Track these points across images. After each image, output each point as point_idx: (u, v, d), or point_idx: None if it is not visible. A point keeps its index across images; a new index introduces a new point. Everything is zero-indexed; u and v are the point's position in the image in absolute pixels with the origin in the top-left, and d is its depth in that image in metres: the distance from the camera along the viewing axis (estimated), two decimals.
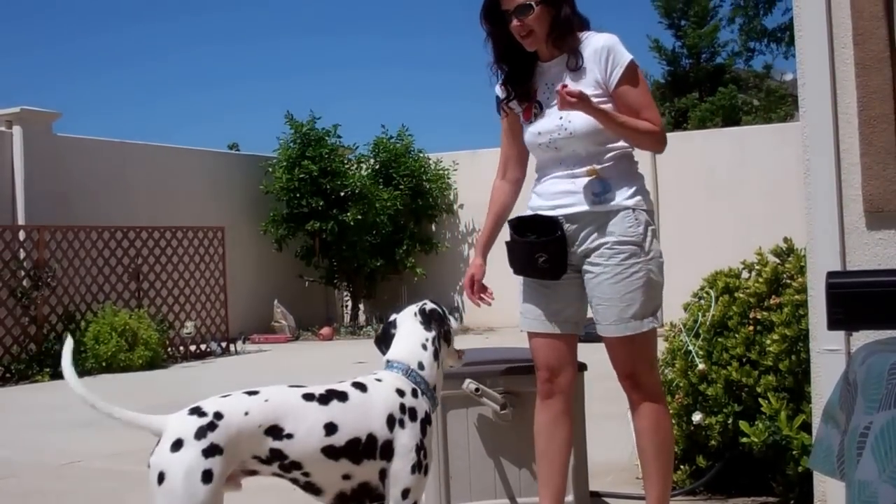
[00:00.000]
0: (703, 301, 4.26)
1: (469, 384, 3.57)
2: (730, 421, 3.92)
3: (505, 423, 3.62)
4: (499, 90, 3.38)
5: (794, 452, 3.70)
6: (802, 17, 3.33)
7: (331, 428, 2.51)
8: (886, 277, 2.45)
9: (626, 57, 3.15)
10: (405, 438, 2.60)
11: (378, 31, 63.81)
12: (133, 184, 13.39)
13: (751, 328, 3.97)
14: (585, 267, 3.17)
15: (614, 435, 4.56)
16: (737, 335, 3.99)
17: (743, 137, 14.64)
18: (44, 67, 62.02)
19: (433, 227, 16.35)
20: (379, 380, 2.71)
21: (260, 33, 65.32)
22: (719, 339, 4.06)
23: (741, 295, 4.08)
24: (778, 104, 25.78)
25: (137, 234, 12.26)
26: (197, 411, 2.44)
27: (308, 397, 2.56)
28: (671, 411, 4.12)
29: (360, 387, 2.65)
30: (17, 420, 7.89)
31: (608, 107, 3.12)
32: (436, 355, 2.81)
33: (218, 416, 2.41)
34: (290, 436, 2.48)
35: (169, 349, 12.13)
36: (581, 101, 3.02)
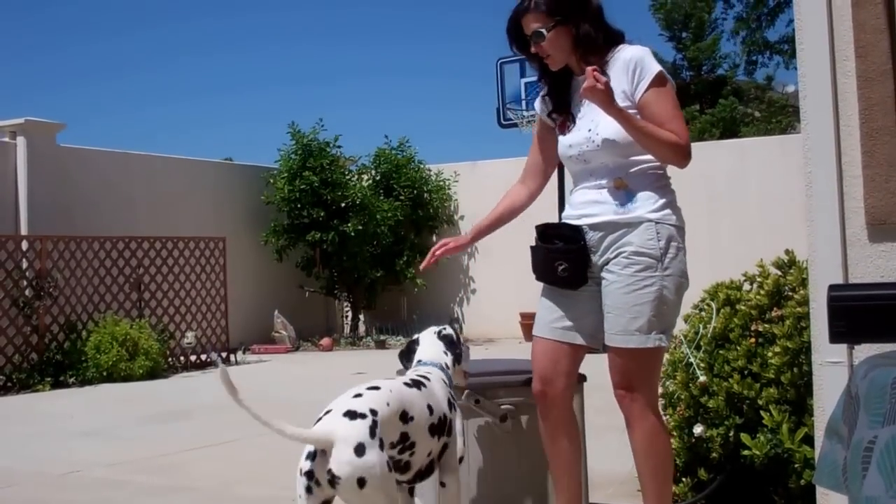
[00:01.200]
0: (704, 313, 4.26)
1: (469, 396, 3.56)
2: (731, 433, 3.91)
3: (504, 434, 3.61)
4: (538, 104, 3.45)
5: (796, 465, 3.69)
6: (804, 29, 3.34)
7: (430, 409, 2.89)
8: (889, 290, 2.45)
9: (655, 68, 3.14)
10: (457, 418, 3.08)
11: (379, 41, 63.92)
12: (135, 194, 13.41)
13: (752, 340, 3.97)
14: (602, 274, 3.18)
15: (615, 446, 4.55)
16: (738, 347, 3.98)
17: (744, 149, 14.65)
18: (46, 78, 62.13)
19: (434, 238, 16.34)
20: (430, 373, 3.11)
21: (259, 46, 65.43)
22: (720, 352, 4.05)
23: (742, 307, 4.08)
24: (779, 115, 25.81)
25: (139, 245, 12.26)
26: (352, 414, 2.55)
27: (408, 385, 2.91)
28: (672, 424, 4.12)
29: (425, 378, 3.04)
30: (18, 429, 7.87)
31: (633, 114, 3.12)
32: (454, 362, 3.30)
33: (374, 412, 2.58)
34: (412, 418, 2.78)
35: (169, 359, 12.12)
36: (603, 91, 3.00)
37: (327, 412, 2.59)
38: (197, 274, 12.99)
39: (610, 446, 4.61)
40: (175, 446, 6.65)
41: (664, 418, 4.17)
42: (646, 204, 3.14)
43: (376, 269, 15.31)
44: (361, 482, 2.45)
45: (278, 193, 14.84)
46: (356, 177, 15.95)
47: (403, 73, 64.57)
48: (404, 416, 2.74)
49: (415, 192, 15.75)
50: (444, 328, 3.39)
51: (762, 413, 3.82)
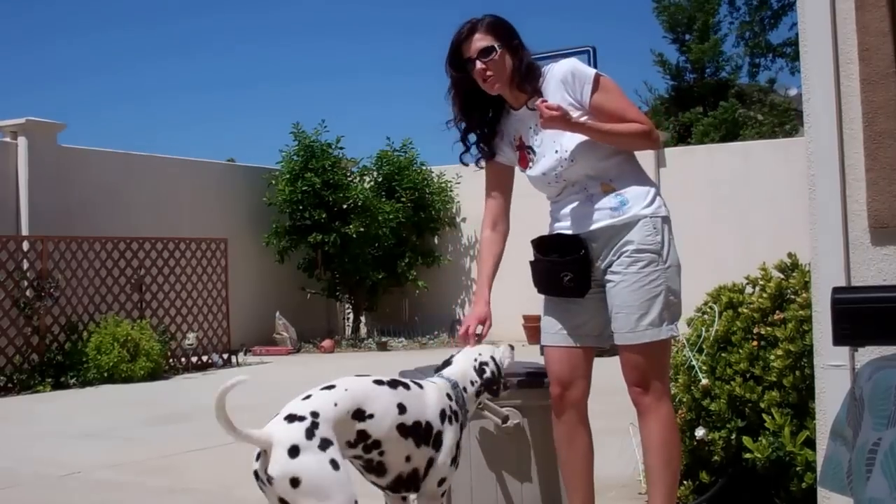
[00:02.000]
0: (706, 316, 4.25)
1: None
2: (733, 436, 3.90)
3: (507, 436, 3.60)
4: (473, 151, 3.46)
5: (798, 469, 3.68)
6: (808, 32, 3.33)
7: (401, 408, 2.82)
8: (892, 293, 2.45)
9: (590, 72, 3.22)
10: (450, 434, 2.95)
11: (381, 41, 63.92)
12: (136, 195, 13.40)
13: (755, 343, 3.96)
14: (607, 277, 3.21)
15: (616, 450, 4.55)
16: (740, 350, 3.98)
17: (747, 152, 14.64)
18: (47, 73, 62.14)
19: (435, 240, 16.35)
20: (434, 382, 3.06)
21: (261, 47, 65.46)
22: (723, 355, 4.05)
23: (745, 310, 4.07)
24: (782, 119, 25.78)
25: (140, 245, 12.26)
26: (292, 418, 2.62)
27: (378, 382, 2.85)
28: None
29: (418, 384, 2.99)
30: (19, 431, 7.87)
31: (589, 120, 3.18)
32: (477, 395, 3.17)
33: (315, 414, 2.62)
34: (371, 416, 2.74)
35: (170, 360, 12.11)
36: (561, 116, 3.07)
37: (276, 415, 2.67)
38: (198, 275, 12.99)
39: (610, 451, 4.60)
40: (176, 448, 6.64)
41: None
42: (637, 201, 3.19)
43: (378, 271, 15.31)
44: (295, 482, 2.53)
45: (280, 195, 14.84)
46: (358, 178, 15.95)
47: (404, 73, 64.59)
48: (359, 414, 2.72)
49: (417, 193, 15.75)
50: (484, 359, 3.22)
51: (764, 416, 3.81)
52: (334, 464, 2.57)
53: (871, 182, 3.18)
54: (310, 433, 2.58)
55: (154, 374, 11.20)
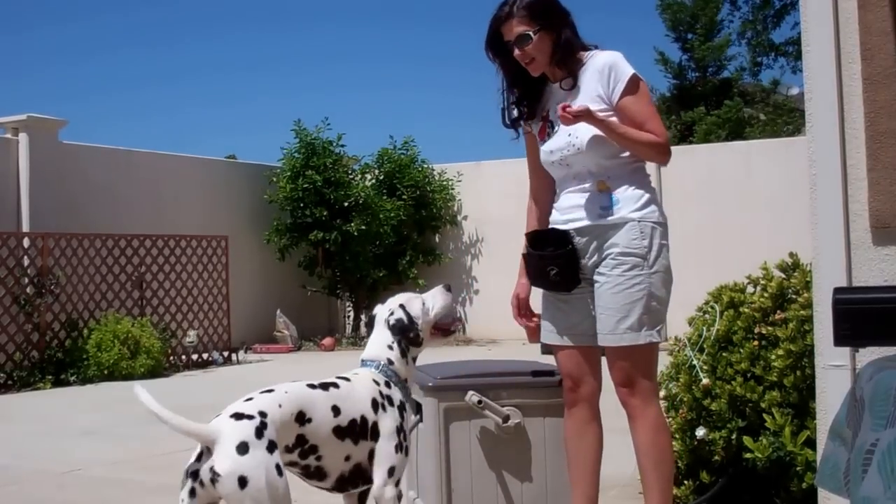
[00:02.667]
0: (707, 315, 4.25)
1: (472, 396, 3.56)
2: (734, 436, 3.90)
3: (507, 436, 3.60)
4: (514, 112, 3.46)
5: (799, 469, 3.68)
6: (810, 31, 3.33)
7: (336, 410, 2.78)
8: (893, 294, 2.44)
9: (628, 71, 3.22)
10: (388, 421, 2.90)
11: (384, 33, 63.90)
12: (138, 192, 13.40)
13: (755, 343, 3.96)
14: (595, 277, 3.23)
15: (617, 449, 4.53)
16: (741, 350, 3.98)
17: (749, 151, 14.64)
18: (51, 76, 62.13)
19: (436, 239, 16.34)
20: (356, 374, 3.01)
21: (265, 39, 65.43)
22: (724, 354, 4.04)
23: (746, 309, 4.07)
24: (785, 118, 25.75)
25: (141, 243, 12.26)
26: (240, 415, 2.55)
27: (312, 387, 2.80)
28: (674, 426, 4.11)
29: (344, 379, 2.94)
30: (19, 427, 7.88)
31: (612, 119, 3.19)
32: (403, 353, 3.09)
33: (262, 414, 2.56)
34: (310, 420, 2.70)
35: (171, 358, 12.11)
36: (583, 116, 3.10)
37: (217, 415, 2.60)
38: (199, 273, 12.99)
39: (611, 449, 4.58)
40: (176, 445, 6.61)
41: (667, 420, 4.18)
42: (628, 204, 3.19)
43: (379, 269, 15.30)
44: (243, 481, 2.43)
45: (281, 192, 14.83)
46: (359, 176, 15.94)
47: (409, 70, 64.65)
48: (300, 418, 2.68)
49: (418, 191, 15.74)
50: (392, 313, 3.14)
51: (765, 416, 3.81)
52: (279, 469, 2.50)
53: (872, 182, 3.17)
54: (259, 432, 2.50)
55: (154, 372, 11.19)
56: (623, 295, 3.14)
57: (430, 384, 3.61)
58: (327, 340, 14.75)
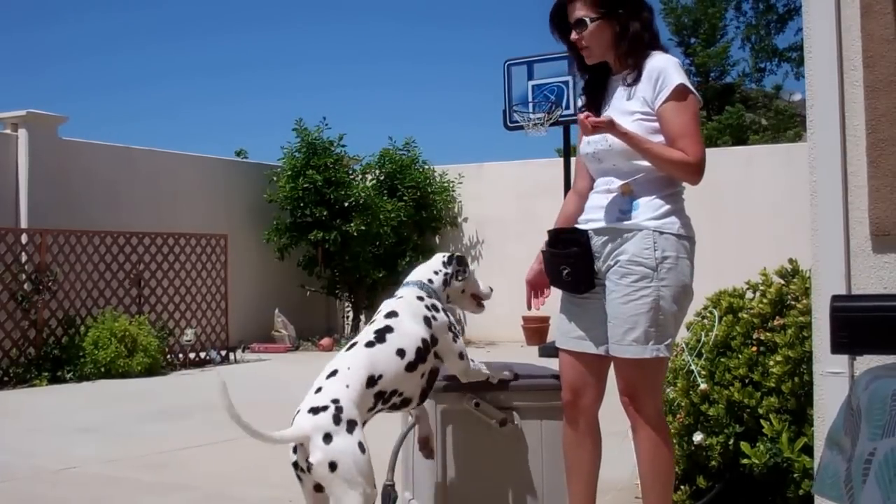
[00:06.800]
0: (706, 320, 4.25)
1: (469, 399, 3.55)
2: (731, 442, 3.90)
3: (504, 438, 3.59)
4: (580, 99, 3.43)
5: (796, 475, 3.67)
6: (812, 38, 3.32)
7: (401, 353, 3.12)
8: (892, 303, 2.44)
9: (676, 80, 3.10)
10: (440, 324, 3.27)
11: (388, 32, 63.89)
12: (137, 189, 13.39)
13: (754, 349, 3.95)
14: (606, 283, 3.16)
15: (615, 453, 4.52)
16: (740, 355, 3.97)
17: (750, 157, 14.64)
18: (54, 73, 62.11)
19: (437, 240, 16.34)
20: (401, 297, 3.33)
21: (270, 38, 65.42)
22: (722, 360, 4.04)
23: (745, 315, 4.06)
24: (787, 124, 25.77)
25: (140, 240, 12.25)
26: (315, 409, 2.86)
27: (370, 345, 3.12)
28: (672, 431, 4.10)
29: (391, 314, 3.24)
30: (14, 424, 7.87)
31: (646, 127, 3.11)
32: (445, 282, 3.45)
33: (335, 401, 2.87)
34: (381, 377, 3.04)
35: (168, 356, 12.09)
36: (602, 128, 3.06)
37: (298, 411, 2.90)
38: (198, 271, 12.98)
39: (610, 453, 4.56)
40: (172, 444, 6.63)
41: (670, 432, 4.17)
42: (646, 211, 3.11)
43: (378, 270, 15.29)
44: (333, 466, 2.77)
45: (281, 192, 14.82)
46: (360, 176, 15.94)
47: (409, 68, 64.55)
48: (371, 382, 3.01)
49: (418, 192, 15.74)
50: (453, 255, 3.57)
51: (762, 422, 3.80)
52: (361, 447, 2.82)
53: (873, 189, 3.17)
54: (336, 419, 2.82)
55: (151, 370, 11.18)
56: (630, 306, 3.06)
57: None
58: (325, 340, 14.74)
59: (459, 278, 3.49)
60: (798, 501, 3.70)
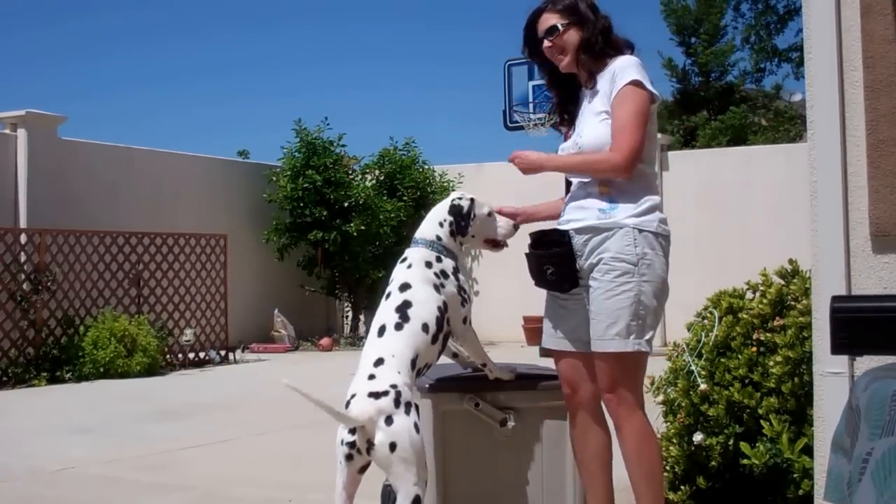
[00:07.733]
0: (706, 321, 4.24)
1: (469, 399, 3.54)
2: (731, 442, 3.89)
3: (504, 438, 3.59)
4: (556, 116, 3.56)
5: (795, 475, 3.67)
6: (813, 39, 3.32)
7: (425, 328, 3.24)
8: (891, 303, 2.43)
9: (627, 78, 3.19)
10: (450, 288, 3.36)
11: (387, 32, 63.87)
12: (136, 189, 13.39)
13: (754, 349, 3.95)
14: (589, 281, 3.21)
15: (617, 453, 4.53)
16: (740, 356, 3.97)
17: (750, 157, 14.63)
18: (54, 73, 62.08)
19: None
20: (410, 265, 3.39)
21: (270, 38, 65.40)
22: (722, 360, 4.04)
23: (745, 316, 4.06)
24: (787, 125, 25.75)
25: (139, 240, 12.24)
26: (376, 394, 3.01)
27: (398, 327, 3.22)
28: (672, 431, 4.10)
29: (405, 287, 3.32)
30: (13, 424, 7.86)
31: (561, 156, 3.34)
32: (452, 234, 3.48)
33: (393, 385, 3.03)
34: (417, 356, 3.20)
35: (167, 356, 12.09)
36: (527, 162, 3.33)
37: (353, 396, 3.04)
38: (197, 271, 12.98)
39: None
40: (171, 444, 6.63)
41: (664, 425, 4.17)
42: (625, 209, 3.18)
43: (378, 270, 15.28)
44: (392, 446, 2.95)
45: (281, 192, 14.83)
46: (360, 176, 15.94)
47: (410, 71, 64.53)
48: (413, 364, 3.18)
49: (418, 193, 15.74)
50: (462, 198, 3.59)
51: (762, 422, 3.80)
52: (417, 428, 3.01)
53: (872, 190, 3.17)
54: (396, 402, 2.99)
55: (151, 370, 11.18)
56: (613, 301, 3.13)
57: (427, 386, 3.59)
58: (325, 340, 14.74)
59: (462, 223, 3.50)
60: (798, 501, 3.70)
